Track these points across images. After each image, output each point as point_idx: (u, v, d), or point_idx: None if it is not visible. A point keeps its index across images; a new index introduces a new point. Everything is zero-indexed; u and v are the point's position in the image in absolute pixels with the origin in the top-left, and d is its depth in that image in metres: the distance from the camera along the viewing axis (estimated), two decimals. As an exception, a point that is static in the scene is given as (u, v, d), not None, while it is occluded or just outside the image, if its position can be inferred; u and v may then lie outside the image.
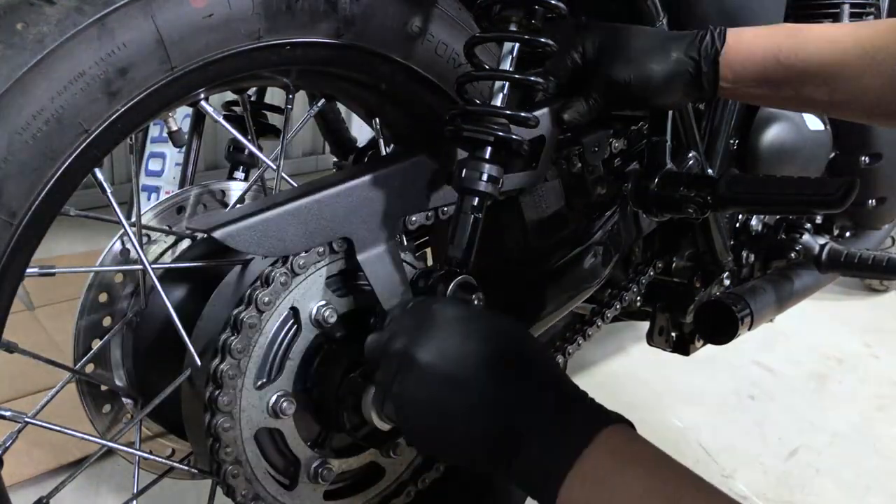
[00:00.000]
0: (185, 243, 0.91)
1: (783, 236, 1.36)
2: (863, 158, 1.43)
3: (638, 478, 0.55)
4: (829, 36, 0.80)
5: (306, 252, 0.76)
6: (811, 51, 0.79)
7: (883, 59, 0.76)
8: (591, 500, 0.55)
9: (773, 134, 1.24)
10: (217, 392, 0.73)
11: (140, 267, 0.81)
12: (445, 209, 0.86)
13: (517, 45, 0.76)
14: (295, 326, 0.78)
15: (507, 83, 0.77)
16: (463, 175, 0.75)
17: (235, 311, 0.74)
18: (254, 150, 0.93)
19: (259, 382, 0.76)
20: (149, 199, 1.99)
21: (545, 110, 0.87)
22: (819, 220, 1.44)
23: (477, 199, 0.76)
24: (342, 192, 0.77)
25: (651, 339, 1.28)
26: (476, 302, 0.78)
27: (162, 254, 0.90)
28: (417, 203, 0.84)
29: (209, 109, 0.83)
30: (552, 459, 0.57)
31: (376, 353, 0.70)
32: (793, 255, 1.34)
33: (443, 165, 0.84)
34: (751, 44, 0.82)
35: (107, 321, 0.87)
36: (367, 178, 0.79)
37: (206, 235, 0.84)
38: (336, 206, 0.77)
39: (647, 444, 0.58)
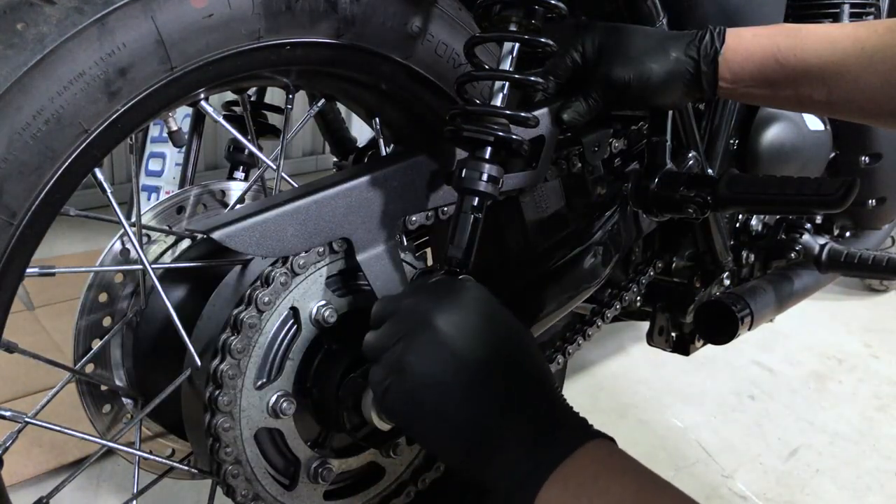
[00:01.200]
0: (185, 243, 0.91)
1: (783, 236, 1.36)
2: (863, 158, 1.43)
3: (618, 484, 0.55)
4: (827, 36, 0.80)
5: (306, 252, 0.76)
6: (810, 51, 0.80)
7: (881, 60, 0.76)
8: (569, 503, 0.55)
9: (773, 134, 1.24)
10: (217, 392, 0.73)
11: (140, 267, 0.81)
12: (445, 209, 0.86)
13: (517, 45, 0.76)
14: (295, 326, 0.78)
15: (507, 83, 0.77)
16: (463, 175, 0.75)
17: (235, 311, 0.74)
18: (254, 150, 0.93)
19: (259, 382, 0.76)
20: (149, 199, 1.99)
21: (545, 110, 0.87)
22: (819, 220, 1.44)
23: (477, 199, 0.76)
24: (341, 192, 0.77)
25: (651, 339, 1.28)
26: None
27: (162, 254, 0.90)
28: (417, 203, 0.84)
29: (209, 109, 0.83)
30: (534, 463, 0.58)
31: (390, 309, 0.67)
32: (793, 255, 1.34)
33: (443, 165, 0.84)
34: (750, 44, 0.82)
35: (107, 321, 0.87)
36: (366, 178, 0.79)
37: (206, 235, 0.84)
38: (335, 207, 0.77)
39: (628, 457, 0.59)
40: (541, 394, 0.62)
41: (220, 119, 0.85)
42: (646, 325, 1.29)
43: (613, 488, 0.55)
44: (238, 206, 0.96)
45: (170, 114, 1.28)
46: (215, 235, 0.70)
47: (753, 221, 1.31)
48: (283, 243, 0.74)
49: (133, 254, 0.86)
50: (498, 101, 0.77)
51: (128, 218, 0.79)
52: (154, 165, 2.03)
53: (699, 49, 0.83)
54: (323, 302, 0.79)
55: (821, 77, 0.79)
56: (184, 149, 1.52)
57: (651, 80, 0.84)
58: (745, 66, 0.82)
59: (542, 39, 0.76)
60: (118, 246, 0.86)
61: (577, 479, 0.56)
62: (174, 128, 1.31)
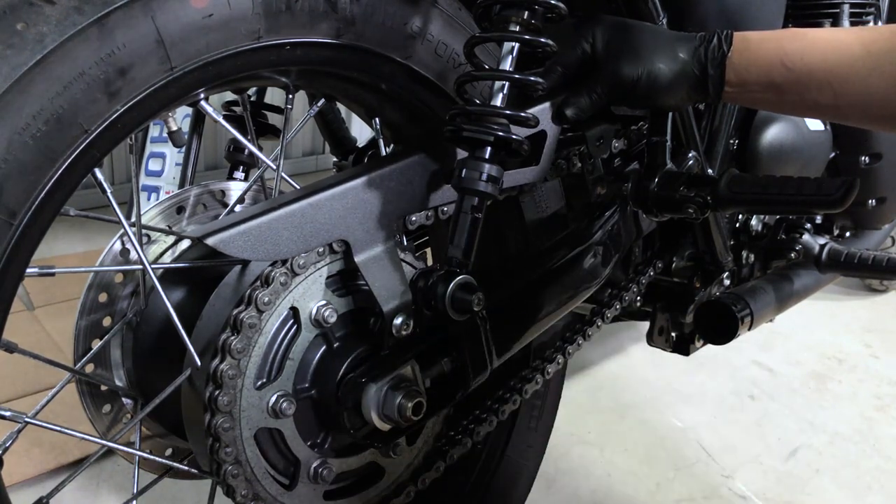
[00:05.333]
0: (185, 243, 0.91)
1: (783, 236, 1.35)
2: (863, 158, 1.43)
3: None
4: (833, 40, 0.80)
5: (304, 253, 0.76)
6: (816, 55, 0.79)
7: (888, 63, 0.76)
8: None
9: (772, 134, 1.23)
10: (217, 392, 0.73)
11: (140, 267, 0.81)
12: (445, 209, 0.86)
13: (517, 45, 0.76)
14: (295, 326, 0.78)
15: (507, 83, 0.77)
16: (463, 175, 0.75)
17: (235, 311, 0.74)
18: (254, 150, 0.93)
19: (259, 382, 0.76)
20: (149, 199, 1.99)
21: (546, 105, 0.87)
22: (819, 220, 1.44)
23: (477, 198, 0.76)
24: (337, 194, 0.77)
25: (651, 339, 1.28)
26: (476, 301, 0.78)
27: (162, 254, 0.90)
28: (416, 203, 0.84)
29: (209, 109, 0.82)
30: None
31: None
32: (793, 255, 1.34)
33: (442, 165, 0.84)
34: (757, 48, 0.82)
35: (107, 321, 0.87)
36: (363, 179, 0.79)
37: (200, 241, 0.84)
38: (331, 209, 0.77)
39: None
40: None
41: (220, 119, 0.85)
42: (646, 325, 1.29)
43: None
44: (236, 207, 0.95)
45: (170, 114, 1.29)
46: (210, 241, 0.70)
47: (753, 221, 1.31)
48: (278, 247, 0.74)
49: (133, 254, 0.86)
50: (498, 101, 0.77)
51: (128, 218, 0.79)
52: (154, 165, 2.03)
53: (706, 52, 0.83)
54: (323, 302, 0.79)
55: (827, 82, 0.79)
56: (184, 149, 1.52)
57: (659, 80, 0.84)
58: (751, 70, 0.82)
59: (542, 39, 0.76)
60: (118, 246, 0.86)
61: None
62: (174, 128, 1.31)
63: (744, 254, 1.32)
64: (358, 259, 0.79)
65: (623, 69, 0.84)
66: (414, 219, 0.84)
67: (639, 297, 1.20)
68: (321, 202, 0.76)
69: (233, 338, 0.73)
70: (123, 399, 0.89)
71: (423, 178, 0.84)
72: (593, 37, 0.86)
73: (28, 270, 0.66)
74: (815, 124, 1.31)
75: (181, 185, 1.58)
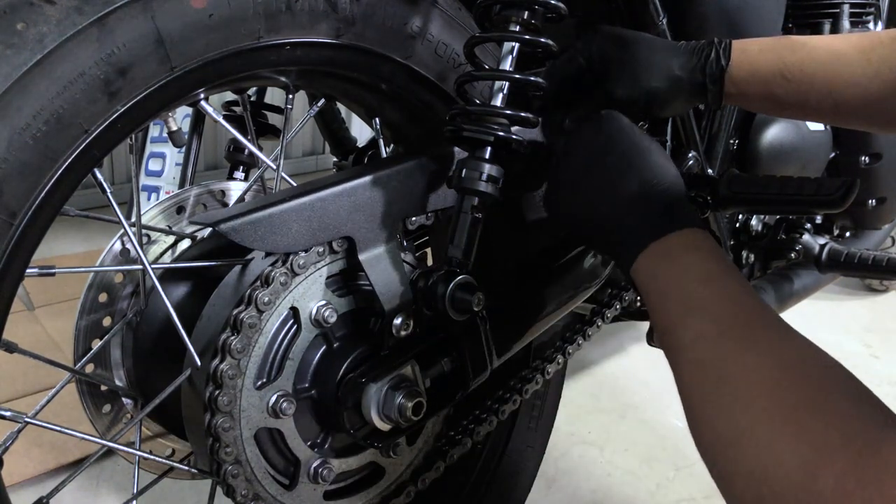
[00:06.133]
0: (185, 243, 0.91)
1: (783, 236, 1.36)
2: (863, 158, 1.43)
3: (691, 262, 0.70)
4: (832, 50, 0.80)
5: (306, 251, 0.76)
6: (816, 64, 0.80)
7: (888, 70, 0.76)
8: (650, 269, 0.72)
9: (772, 134, 1.24)
10: (217, 392, 0.73)
11: (140, 267, 0.81)
12: (446, 210, 0.86)
13: (517, 45, 0.76)
14: (295, 326, 0.78)
15: (507, 83, 0.77)
16: (463, 175, 0.75)
17: (235, 311, 0.74)
18: (254, 150, 0.93)
19: (259, 382, 0.76)
20: (149, 199, 1.99)
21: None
22: (819, 220, 1.45)
23: (477, 198, 0.76)
24: (345, 190, 0.77)
25: (651, 339, 1.28)
26: (476, 301, 0.78)
27: (162, 254, 0.90)
28: (420, 204, 0.84)
29: (209, 109, 0.83)
30: (634, 240, 0.72)
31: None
32: (793, 255, 1.34)
33: (445, 166, 0.84)
34: (755, 59, 0.82)
35: (107, 321, 0.87)
36: (370, 177, 0.79)
37: (205, 236, 0.84)
38: (339, 205, 0.77)
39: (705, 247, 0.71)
40: (657, 195, 0.75)
41: (220, 119, 0.85)
42: (646, 325, 1.29)
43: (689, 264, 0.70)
44: (242, 202, 0.95)
45: (170, 114, 1.29)
46: (221, 228, 0.70)
47: (753, 221, 1.31)
48: (287, 239, 0.74)
49: (133, 254, 0.86)
50: (498, 101, 0.77)
51: (128, 218, 0.79)
52: (154, 165, 2.03)
53: (704, 67, 0.82)
54: (323, 302, 0.79)
55: (827, 90, 0.79)
56: (184, 149, 1.52)
57: (657, 99, 0.84)
58: (750, 81, 0.82)
59: (542, 39, 0.76)
60: (118, 246, 0.86)
61: (659, 254, 0.71)
62: (174, 128, 1.31)
63: (744, 254, 1.32)
64: (362, 257, 0.79)
65: (620, 91, 0.84)
66: (414, 219, 0.84)
67: (639, 297, 1.20)
68: (330, 197, 0.76)
69: (233, 338, 0.73)
70: (123, 399, 0.89)
71: (427, 178, 0.84)
72: (590, 53, 0.85)
73: (28, 270, 0.66)
74: (814, 124, 1.31)
75: (181, 185, 1.58)
